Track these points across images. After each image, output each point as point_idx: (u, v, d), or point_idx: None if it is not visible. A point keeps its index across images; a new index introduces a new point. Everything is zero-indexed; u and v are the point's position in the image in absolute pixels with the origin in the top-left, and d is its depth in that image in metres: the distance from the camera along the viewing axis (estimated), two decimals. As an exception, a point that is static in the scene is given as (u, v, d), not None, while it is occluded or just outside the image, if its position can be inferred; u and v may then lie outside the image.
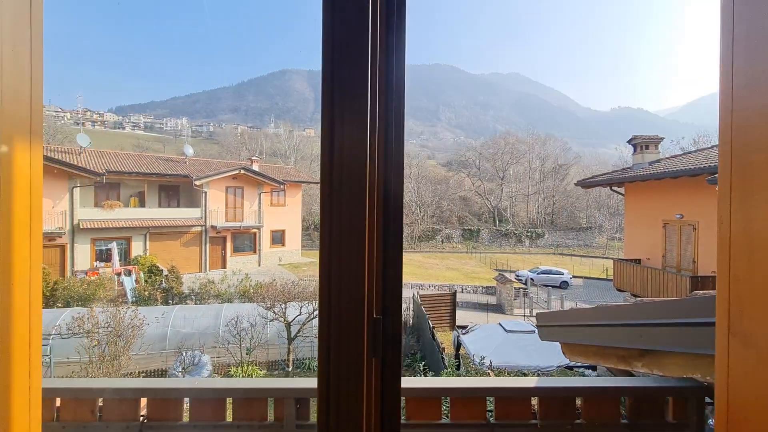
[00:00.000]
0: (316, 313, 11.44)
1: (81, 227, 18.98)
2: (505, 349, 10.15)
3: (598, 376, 7.98)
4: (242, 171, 24.46)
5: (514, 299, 22.13)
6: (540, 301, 23.72)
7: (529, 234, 50.45)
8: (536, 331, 11.32)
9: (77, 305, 13.37)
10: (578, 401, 1.64)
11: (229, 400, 1.63)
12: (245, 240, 25.76)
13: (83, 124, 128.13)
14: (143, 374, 11.11)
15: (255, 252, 26.06)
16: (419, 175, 55.23)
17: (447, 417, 1.62)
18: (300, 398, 1.58)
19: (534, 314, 21.04)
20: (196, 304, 15.11)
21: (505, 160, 58.34)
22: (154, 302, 14.84)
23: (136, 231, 20.93)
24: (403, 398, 1.61)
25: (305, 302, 11.42)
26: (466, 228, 49.90)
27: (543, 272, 30.03)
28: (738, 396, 0.81)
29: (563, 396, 1.58)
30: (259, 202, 25.92)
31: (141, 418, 1.55)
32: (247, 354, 11.46)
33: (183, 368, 10.47)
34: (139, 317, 9.59)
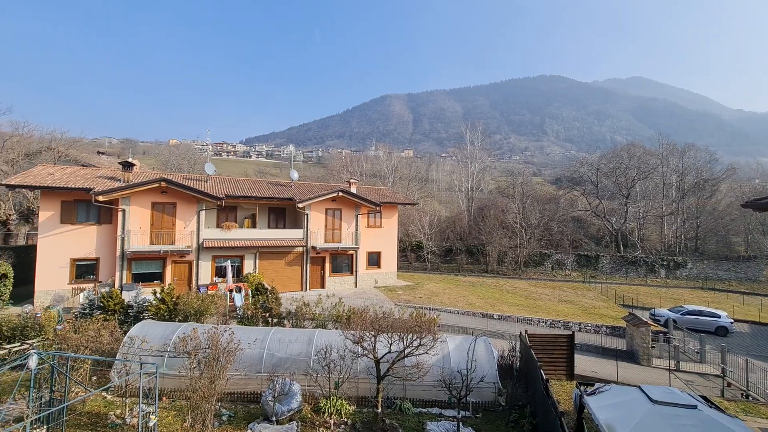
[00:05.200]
0: (408, 351, 10.30)
1: (205, 245, 21.25)
2: (651, 427, 7.62)
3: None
4: (340, 193, 25.09)
5: (652, 346, 17.93)
6: (689, 351, 18.84)
7: (665, 263, 42.05)
8: (699, 407, 8.37)
9: (192, 320, 14.54)
10: None
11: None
12: (343, 261, 26.17)
13: (221, 154, 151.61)
14: (239, 396, 11.27)
15: (352, 273, 26.27)
16: (524, 193, 50.96)
17: None
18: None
19: (681, 368, 16.61)
20: (292, 326, 15.30)
21: (629, 175, 50.28)
22: (257, 321, 15.44)
23: (248, 250, 22.70)
24: None
25: (395, 338, 10.37)
26: (582, 253, 43.78)
27: (689, 312, 24.18)
28: None
29: None
30: (356, 224, 26.21)
31: None
32: (335, 388, 10.85)
33: (274, 396, 10.26)
34: (234, 341, 9.66)
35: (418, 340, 10.39)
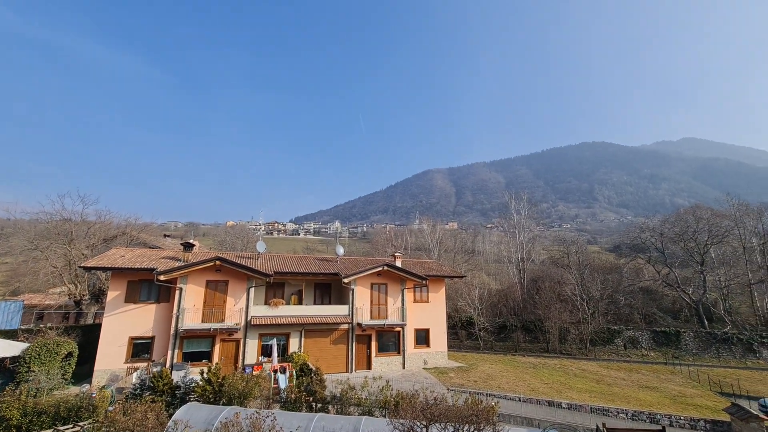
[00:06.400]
0: (465, 446, 9.02)
1: (252, 323, 21.37)
2: None
3: None
4: (385, 267, 24.86)
5: (772, 448, 14.49)
6: (825, 457, 14.95)
7: (765, 340, 35.88)
8: None
9: (236, 402, 14.02)
10: None
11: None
12: (390, 339, 24.98)
13: (272, 233, 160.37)
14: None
15: (399, 353, 24.82)
16: (581, 262, 47.69)
17: None
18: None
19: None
20: (336, 412, 14.26)
21: (700, 240, 45.85)
22: (300, 406, 14.59)
23: (294, 327, 22.47)
24: None
25: (449, 429, 9.21)
26: (659, 330, 38.66)
27: (813, 404, 19.68)
28: None
29: None
30: (402, 299, 25.42)
31: None
32: (383, 490, 9.55)
33: (315, 498, 9.19)
34: (276, 428, 9.05)
35: (476, 431, 9.14)
